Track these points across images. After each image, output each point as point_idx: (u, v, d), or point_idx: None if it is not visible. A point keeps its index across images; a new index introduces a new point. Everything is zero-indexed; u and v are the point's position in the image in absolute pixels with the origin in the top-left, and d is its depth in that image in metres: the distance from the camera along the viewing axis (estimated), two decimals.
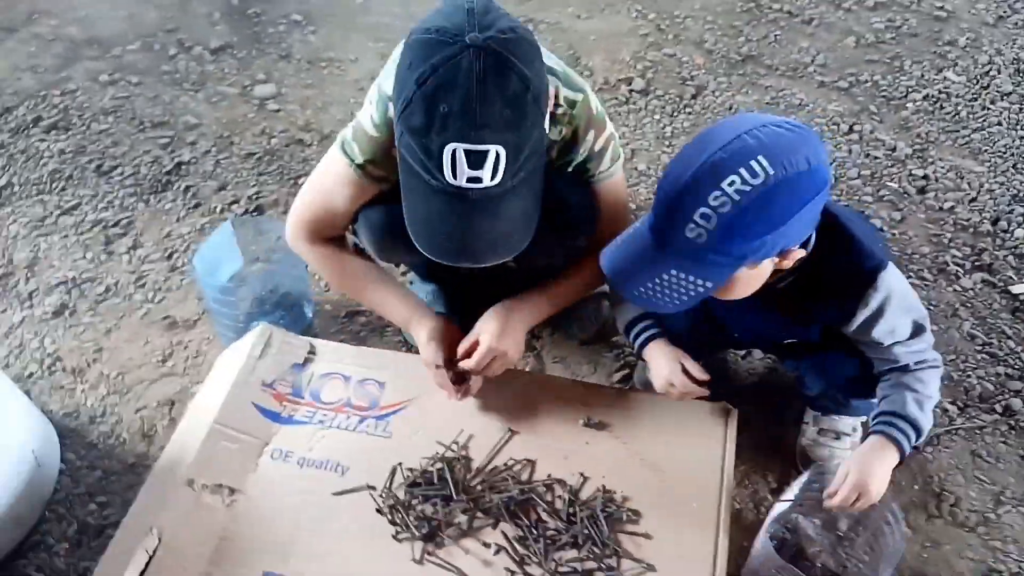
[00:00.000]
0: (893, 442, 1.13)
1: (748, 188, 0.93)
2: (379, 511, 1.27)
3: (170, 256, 1.95)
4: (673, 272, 1.00)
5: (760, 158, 0.93)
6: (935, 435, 1.47)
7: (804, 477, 1.25)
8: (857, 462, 1.14)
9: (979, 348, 1.61)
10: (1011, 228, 1.84)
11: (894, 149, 2.07)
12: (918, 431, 1.14)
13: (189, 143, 2.28)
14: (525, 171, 1.04)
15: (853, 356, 1.21)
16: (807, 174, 0.94)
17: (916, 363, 1.16)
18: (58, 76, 2.55)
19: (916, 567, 1.31)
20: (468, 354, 1.32)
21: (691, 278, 1.00)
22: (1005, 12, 2.51)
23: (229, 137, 2.28)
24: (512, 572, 1.19)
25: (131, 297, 1.86)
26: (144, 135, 2.31)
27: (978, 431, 1.48)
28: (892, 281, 1.12)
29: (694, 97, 2.28)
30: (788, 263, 1.06)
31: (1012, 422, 1.49)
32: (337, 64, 2.53)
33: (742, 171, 0.93)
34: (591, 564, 1.19)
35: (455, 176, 1.00)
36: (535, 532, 1.22)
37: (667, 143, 2.14)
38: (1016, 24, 2.46)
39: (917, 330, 1.16)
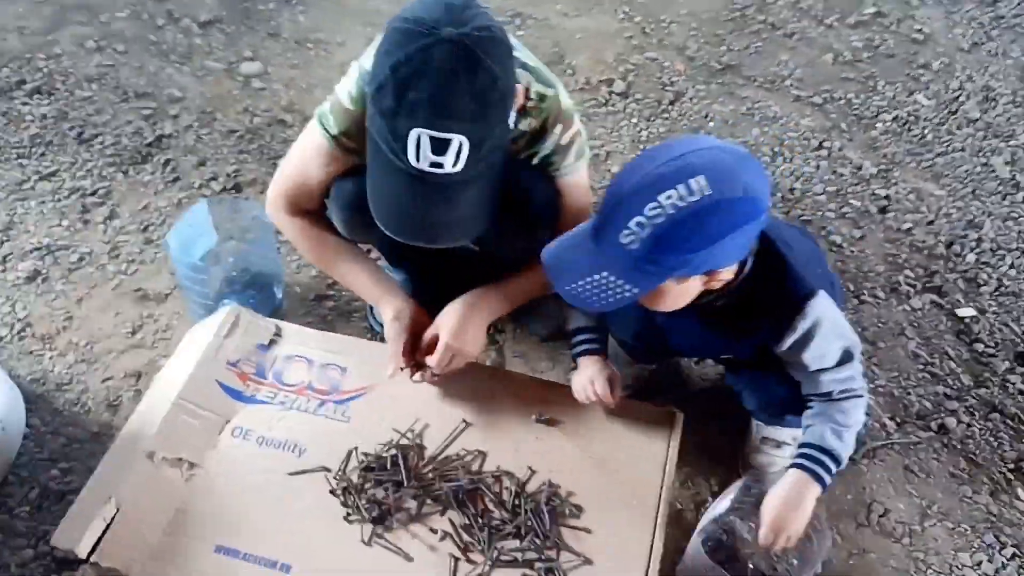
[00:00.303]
0: (813, 476, 1.18)
1: (683, 204, 0.97)
2: (332, 492, 1.32)
3: (146, 229, 1.97)
4: (604, 274, 1.04)
5: (700, 178, 0.97)
6: (871, 448, 1.53)
7: (741, 482, 1.31)
8: (775, 504, 1.18)
9: (921, 367, 1.68)
10: (963, 252, 1.91)
11: (860, 168, 2.13)
12: (837, 462, 1.19)
13: (172, 116, 2.29)
14: (485, 163, 1.09)
15: (786, 378, 1.26)
16: (742, 201, 0.98)
17: (840, 391, 1.20)
18: (45, 39, 2.55)
19: (843, 572, 1.37)
20: (429, 350, 1.36)
21: (619, 282, 1.04)
22: (980, 39, 2.57)
23: (212, 113, 2.30)
24: (456, 559, 1.24)
25: (104, 267, 1.88)
26: (127, 105, 2.32)
27: (912, 447, 1.54)
28: (822, 309, 1.15)
29: (672, 103, 2.32)
30: (716, 284, 1.10)
31: (945, 440, 1.56)
32: (324, 46, 2.54)
33: (680, 187, 0.97)
34: (532, 555, 1.24)
35: (418, 160, 1.06)
36: (480, 521, 1.27)
37: (641, 147, 2.18)
38: (990, 51, 2.52)
39: (845, 358, 1.20)
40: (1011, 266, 1.88)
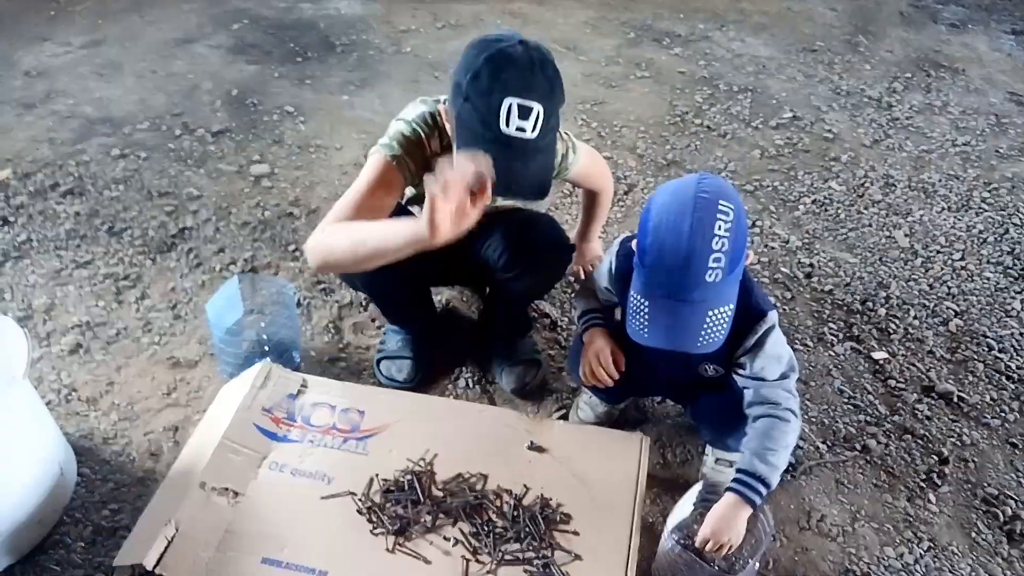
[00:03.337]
0: (745, 499, 1.35)
1: (729, 223, 1.20)
2: (359, 512, 1.51)
3: (174, 307, 2.18)
4: (711, 311, 1.21)
5: (721, 201, 1.21)
6: (808, 467, 1.77)
7: (697, 488, 1.53)
8: (714, 520, 1.37)
9: (846, 400, 1.94)
10: (876, 307, 2.20)
11: (787, 241, 2.45)
12: (767, 485, 1.36)
13: (192, 211, 2.54)
14: (548, 137, 1.37)
15: (735, 408, 1.47)
16: (738, 200, 1.24)
17: (776, 405, 1.39)
18: (73, 148, 2.81)
19: (788, 568, 1.58)
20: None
21: (720, 308, 1.22)
22: (880, 136, 2.98)
23: (227, 208, 2.55)
24: (467, 560, 1.43)
25: (139, 340, 2.08)
26: (151, 203, 2.57)
27: (841, 464, 1.78)
28: (773, 326, 1.40)
29: (626, 193, 2.64)
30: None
31: (868, 458, 1.80)
32: (324, 150, 2.84)
33: (720, 215, 1.19)
34: (531, 554, 1.44)
35: (508, 125, 1.31)
36: (486, 529, 1.47)
37: (602, 231, 2.48)
38: (887, 147, 2.91)
39: (784, 375, 1.42)
40: (914, 317, 2.17)
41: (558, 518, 1.51)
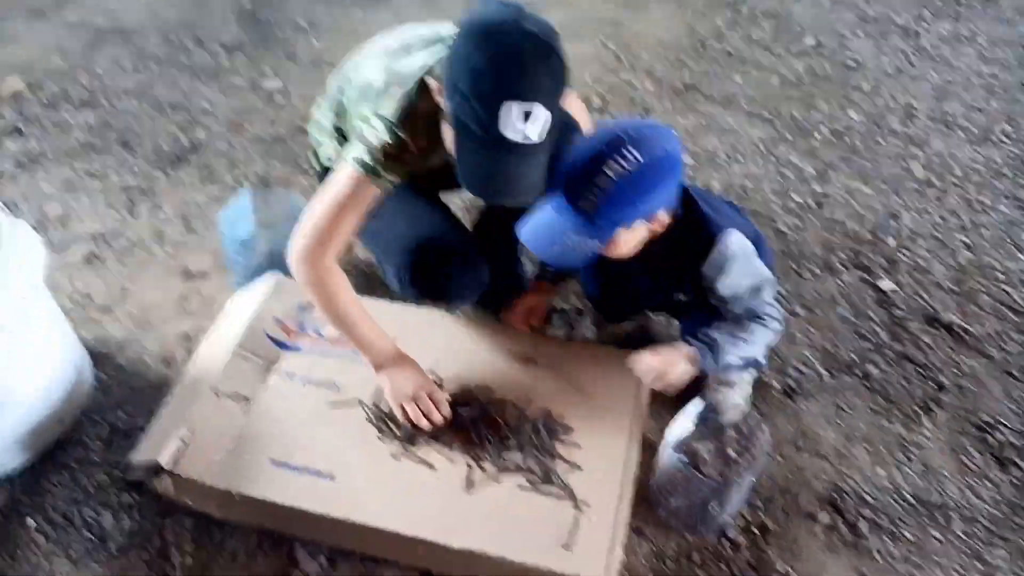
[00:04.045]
0: (695, 357, 1.44)
1: (622, 170, 1.23)
2: (367, 420, 1.55)
3: (186, 219, 2.19)
4: (572, 236, 1.28)
5: (630, 147, 1.23)
6: (809, 391, 1.79)
7: (696, 404, 1.55)
8: (660, 359, 1.44)
9: (849, 328, 1.94)
10: (885, 238, 2.18)
11: (801, 170, 2.41)
12: (714, 353, 1.43)
13: (204, 125, 2.53)
14: (550, 137, 1.27)
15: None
16: (664, 159, 1.26)
17: (750, 315, 1.43)
18: (85, 59, 2.78)
19: (782, 485, 1.62)
20: None
21: (583, 239, 1.28)
22: (904, 66, 2.89)
23: (240, 122, 2.54)
24: (470, 467, 1.47)
25: (152, 251, 2.10)
26: (163, 116, 2.56)
27: (841, 390, 1.80)
28: (734, 245, 1.39)
29: (642, 117, 2.61)
30: (657, 226, 1.35)
31: (867, 384, 1.81)
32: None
33: (618, 156, 1.23)
34: (532, 463, 1.48)
35: (506, 128, 1.20)
36: (490, 439, 1.50)
37: None
38: (911, 76, 2.83)
39: (754, 291, 1.43)
40: (925, 249, 2.16)
41: (559, 429, 1.54)
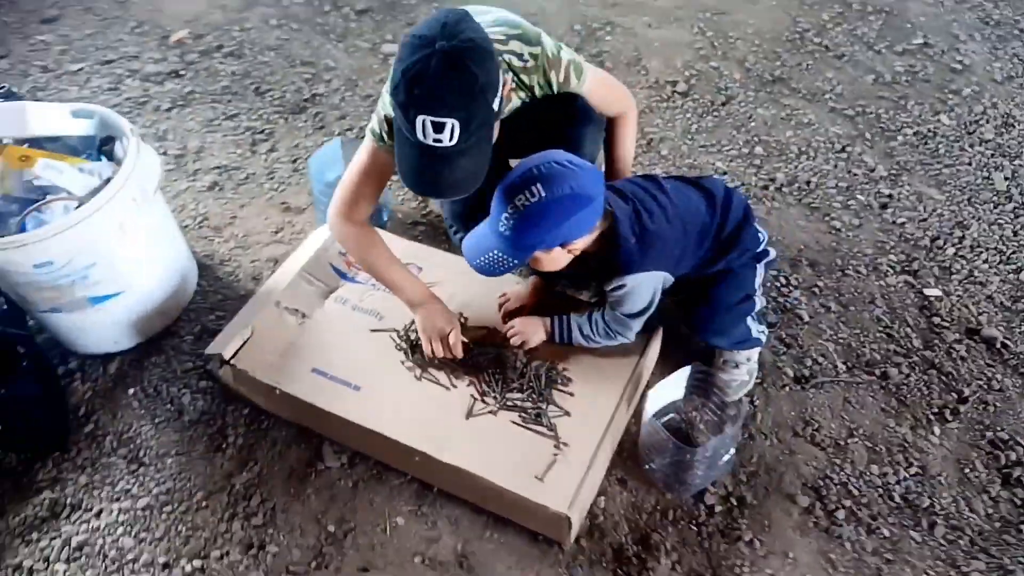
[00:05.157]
0: (551, 329, 1.67)
1: (528, 203, 1.33)
2: (397, 347, 1.72)
3: (295, 161, 2.43)
4: (496, 252, 1.40)
5: (537, 184, 1.33)
6: (819, 382, 1.78)
7: (686, 371, 1.61)
8: (523, 320, 1.69)
9: (881, 328, 1.87)
10: (945, 246, 2.06)
11: (873, 170, 2.30)
12: (563, 331, 1.65)
13: (325, 80, 2.76)
14: (475, 138, 1.31)
15: (710, 307, 1.64)
16: (568, 197, 1.33)
17: (614, 325, 1.60)
18: (240, 15, 3.08)
19: (771, 465, 1.63)
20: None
21: (503, 256, 1.40)
22: (1015, 74, 2.66)
23: (356, 80, 2.75)
24: (474, 399, 1.61)
25: (262, 185, 2.35)
26: (294, 69, 2.81)
27: (855, 385, 1.77)
28: (635, 283, 1.50)
29: (723, 105, 2.56)
30: (576, 250, 1.44)
31: (884, 384, 1.76)
32: None
33: (526, 192, 1.34)
34: (528, 404, 1.59)
35: (424, 137, 1.28)
36: (498, 377, 1.63)
37: (690, 138, 2.45)
38: (1020, 85, 2.61)
39: (634, 315, 1.57)
40: (985, 261, 2.02)
41: (560, 379, 1.64)
